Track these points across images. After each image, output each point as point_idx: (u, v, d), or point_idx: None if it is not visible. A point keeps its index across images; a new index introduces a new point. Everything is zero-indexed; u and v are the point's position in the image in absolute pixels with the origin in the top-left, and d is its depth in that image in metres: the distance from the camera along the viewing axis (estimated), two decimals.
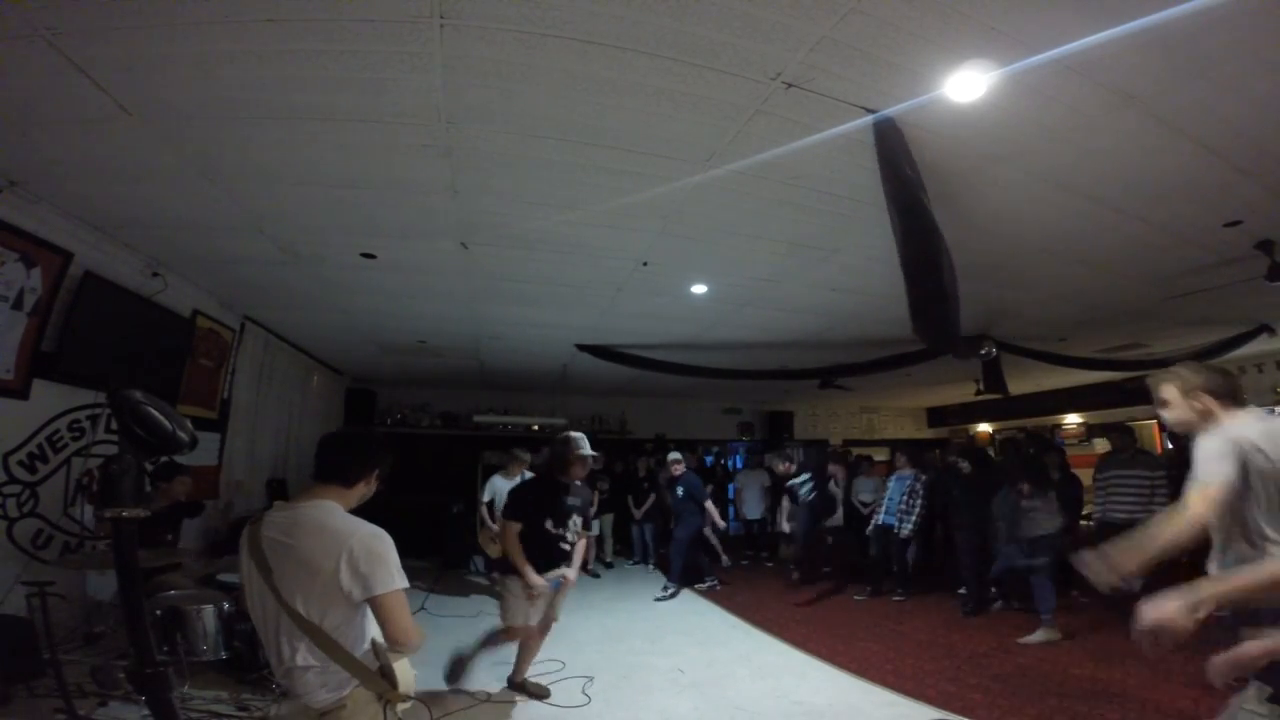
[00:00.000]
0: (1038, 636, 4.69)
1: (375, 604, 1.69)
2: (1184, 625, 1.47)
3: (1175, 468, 5.64)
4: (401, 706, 1.81)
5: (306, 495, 1.83)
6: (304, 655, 1.66)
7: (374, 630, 1.77)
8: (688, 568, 6.84)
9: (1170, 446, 8.54)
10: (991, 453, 9.58)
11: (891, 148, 2.70)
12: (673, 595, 6.49)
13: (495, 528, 5.98)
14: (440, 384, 10.55)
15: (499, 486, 6.19)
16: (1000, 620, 5.30)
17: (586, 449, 3.66)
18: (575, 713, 3.63)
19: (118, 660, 3.07)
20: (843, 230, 3.85)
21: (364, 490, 1.91)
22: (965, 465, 6.02)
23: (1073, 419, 11.35)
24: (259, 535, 1.75)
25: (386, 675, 1.73)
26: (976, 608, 5.55)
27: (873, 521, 6.63)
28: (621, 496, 8.48)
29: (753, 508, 9.06)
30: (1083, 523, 6.33)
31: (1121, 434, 5.97)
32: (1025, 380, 9.42)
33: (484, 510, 6.22)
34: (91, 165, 3.08)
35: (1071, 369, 7.72)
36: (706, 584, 6.91)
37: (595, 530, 8.02)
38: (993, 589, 5.90)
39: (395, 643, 1.72)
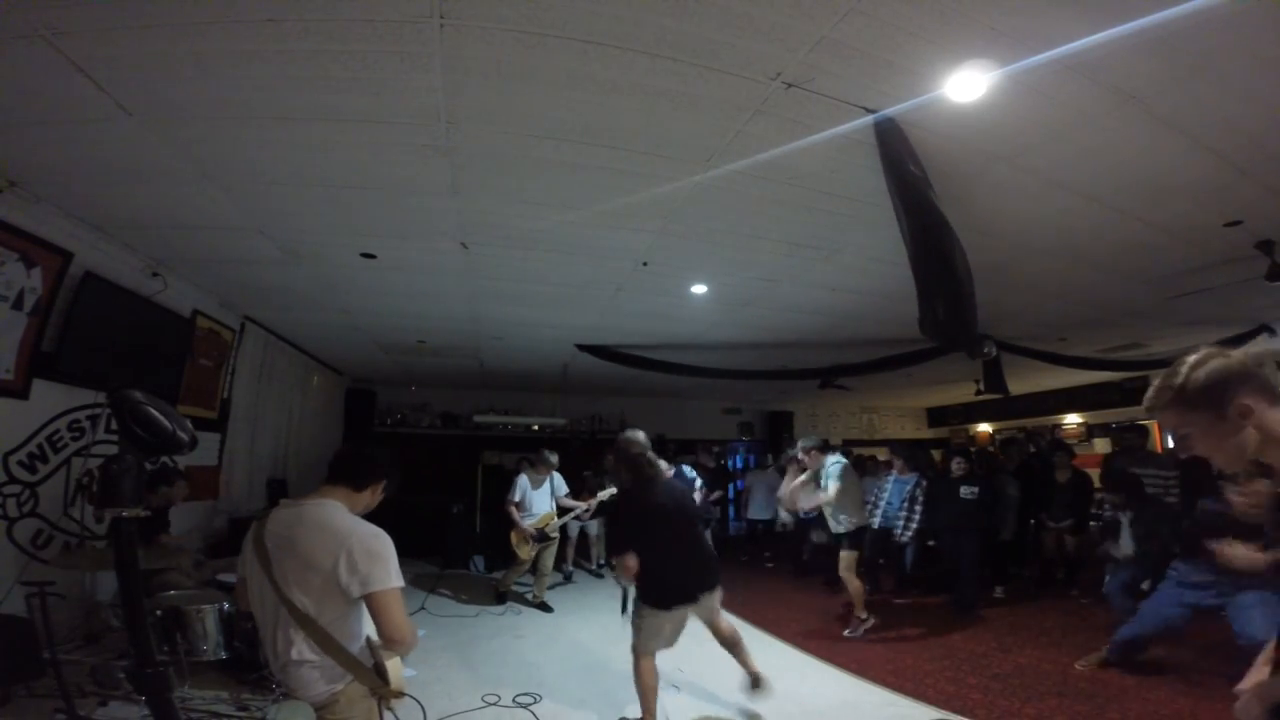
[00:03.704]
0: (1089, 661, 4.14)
1: (371, 601, 1.71)
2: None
3: (1183, 468, 5.62)
4: (394, 702, 1.85)
5: (314, 494, 1.88)
6: (299, 649, 1.69)
7: (369, 628, 1.80)
8: None
9: (1172, 446, 8.54)
10: (991, 450, 9.57)
11: (894, 147, 2.69)
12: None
13: (528, 528, 6.03)
14: (440, 384, 10.55)
15: (526, 485, 6.17)
16: (999, 620, 5.30)
17: None
18: (575, 713, 3.63)
19: (118, 660, 3.07)
20: (843, 230, 3.84)
21: (370, 499, 1.96)
22: (959, 467, 6.03)
23: (1073, 419, 11.35)
24: (264, 530, 1.79)
25: (380, 672, 1.77)
26: (971, 606, 5.56)
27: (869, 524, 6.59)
28: None
29: (760, 508, 8.95)
30: (1092, 523, 6.32)
31: (1136, 434, 6.00)
32: (1025, 380, 9.41)
33: (513, 510, 6.08)
34: (91, 165, 3.08)
35: (1071, 369, 7.72)
36: None
37: (597, 530, 8.01)
38: (999, 589, 5.90)
39: (390, 640, 1.74)
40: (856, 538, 5.19)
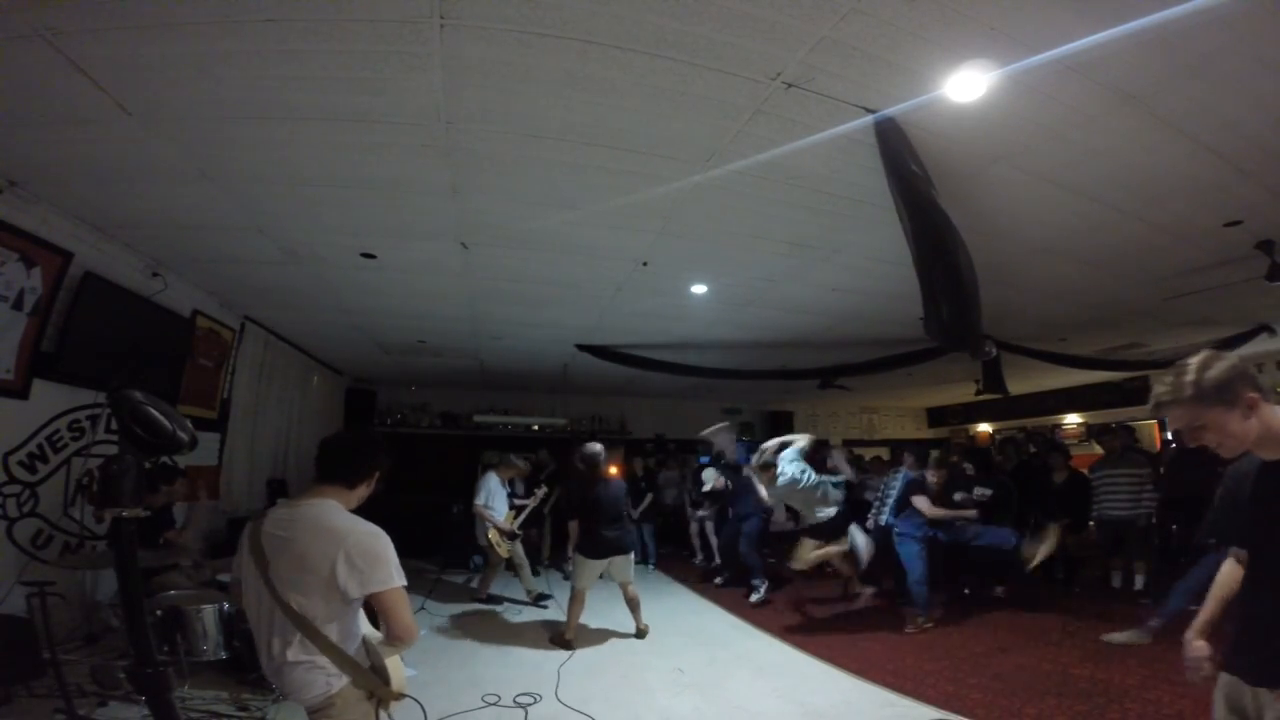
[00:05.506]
0: (1123, 637, 4.46)
1: (377, 601, 1.71)
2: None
3: (1169, 465, 5.65)
4: (393, 704, 1.83)
5: (309, 494, 1.86)
6: (295, 651, 1.68)
7: (365, 629, 1.80)
8: (743, 567, 6.64)
9: (1171, 444, 8.53)
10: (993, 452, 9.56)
11: (895, 146, 2.69)
12: (766, 597, 6.22)
13: (509, 526, 6.15)
14: (440, 384, 10.55)
15: (494, 488, 6.22)
16: (999, 620, 5.30)
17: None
18: (575, 713, 3.63)
19: (118, 660, 3.07)
20: (843, 230, 3.84)
21: (364, 491, 1.94)
22: (969, 467, 6.02)
23: (1073, 419, 11.35)
24: (260, 531, 1.78)
25: (378, 672, 1.77)
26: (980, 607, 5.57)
27: (872, 521, 6.60)
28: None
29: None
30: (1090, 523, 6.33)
31: (1108, 436, 6.05)
32: (1025, 380, 9.41)
33: (485, 511, 6.11)
34: (91, 165, 3.08)
35: (1071, 369, 7.73)
36: (760, 592, 6.30)
37: None
38: (999, 589, 5.89)
39: (396, 639, 1.75)
40: (821, 529, 5.67)
